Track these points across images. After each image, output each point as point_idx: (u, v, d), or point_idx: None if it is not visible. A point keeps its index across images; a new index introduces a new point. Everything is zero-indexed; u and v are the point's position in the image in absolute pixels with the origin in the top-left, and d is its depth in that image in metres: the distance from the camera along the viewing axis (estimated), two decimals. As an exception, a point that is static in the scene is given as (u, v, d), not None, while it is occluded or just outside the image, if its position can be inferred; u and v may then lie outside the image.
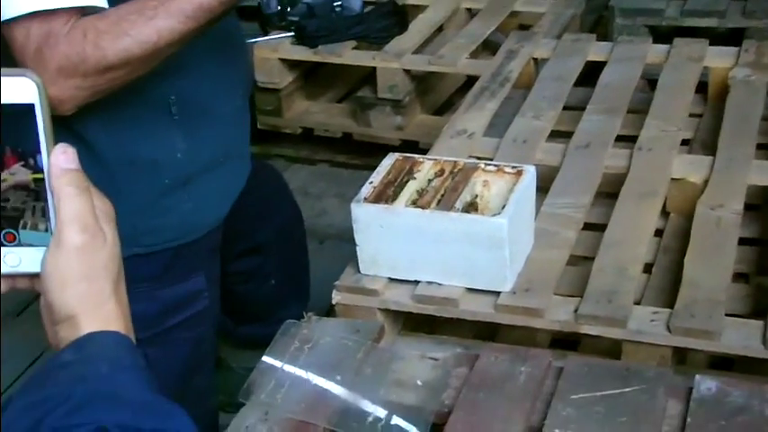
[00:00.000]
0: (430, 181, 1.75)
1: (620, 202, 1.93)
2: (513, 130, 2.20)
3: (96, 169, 1.60)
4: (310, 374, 1.48)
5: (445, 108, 3.43)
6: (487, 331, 1.84)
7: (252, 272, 2.14)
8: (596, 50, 2.60)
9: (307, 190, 3.45)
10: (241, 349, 2.26)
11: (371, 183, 1.74)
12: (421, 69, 3.23)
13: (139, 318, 1.69)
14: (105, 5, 1.48)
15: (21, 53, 1.43)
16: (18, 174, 0.84)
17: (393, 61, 3.19)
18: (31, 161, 0.84)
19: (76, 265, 0.83)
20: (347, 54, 3.25)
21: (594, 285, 1.70)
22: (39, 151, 0.84)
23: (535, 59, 2.64)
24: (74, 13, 1.44)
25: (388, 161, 1.79)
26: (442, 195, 1.70)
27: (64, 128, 1.58)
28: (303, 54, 3.30)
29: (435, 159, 1.80)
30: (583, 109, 2.29)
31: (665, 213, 2.04)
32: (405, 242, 1.67)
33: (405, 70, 3.21)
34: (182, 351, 1.78)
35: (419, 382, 1.49)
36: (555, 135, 2.29)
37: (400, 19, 3.36)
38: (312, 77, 3.57)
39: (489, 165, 1.77)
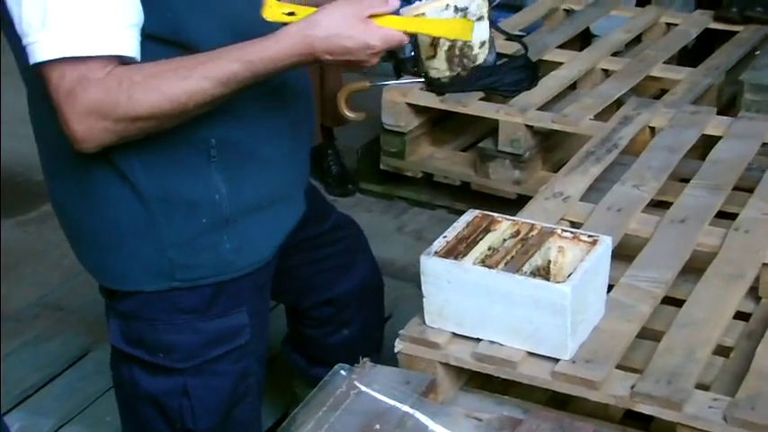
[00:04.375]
0: (504, 241, 1.76)
1: (702, 282, 1.89)
2: (611, 197, 2.18)
3: (134, 203, 1.67)
4: (350, 421, 1.50)
5: (569, 167, 3.40)
6: (563, 397, 1.82)
7: (324, 320, 2.14)
8: (715, 124, 2.55)
9: (422, 234, 3.48)
10: (312, 388, 2.28)
11: (445, 237, 1.76)
12: (543, 126, 3.22)
13: (181, 348, 1.76)
14: (137, 55, 1.54)
15: (54, 91, 1.51)
16: None
17: (516, 116, 3.19)
18: None
19: None
20: (472, 105, 3.27)
21: (658, 364, 1.66)
22: None
23: (652, 128, 2.60)
24: (109, 61, 1.51)
25: (467, 217, 1.81)
26: (512, 257, 1.71)
27: (104, 161, 1.64)
28: (430, 101, 3.33)
29: (514, 220, 1.80)
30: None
31: (757, 298, 1.99)
32: (470, 299, 1.68)
33: (527, 126, 3.21)
34: (225, 383, 1.80)
35: (456, 441, 1.49)
36: (656, 206, 2.26)
37: (531, 74, 3.37)
38: (440, 124, 3.60)
39: (566, 231, 1.77)
